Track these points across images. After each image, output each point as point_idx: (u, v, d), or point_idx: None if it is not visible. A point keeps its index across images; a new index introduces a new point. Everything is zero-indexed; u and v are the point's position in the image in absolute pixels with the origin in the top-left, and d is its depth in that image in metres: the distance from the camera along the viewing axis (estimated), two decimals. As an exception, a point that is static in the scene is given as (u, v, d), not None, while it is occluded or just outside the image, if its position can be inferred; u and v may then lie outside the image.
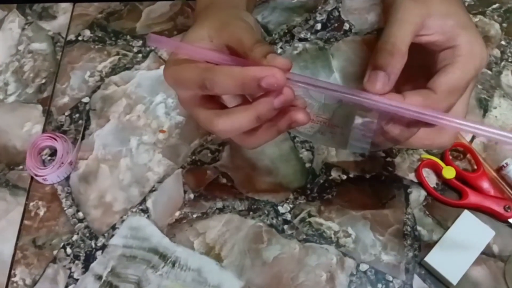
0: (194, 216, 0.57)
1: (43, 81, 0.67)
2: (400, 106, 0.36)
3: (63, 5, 0.75)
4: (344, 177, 0.59)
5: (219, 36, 0.40)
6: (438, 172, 0.58)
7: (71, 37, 0.71)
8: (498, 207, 0.55)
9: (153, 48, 0.69)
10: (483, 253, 0.53)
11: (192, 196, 0.58)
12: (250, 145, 0.41)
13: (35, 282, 0.54)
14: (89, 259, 0.55)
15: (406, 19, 0.38)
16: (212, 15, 0.43)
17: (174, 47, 0.40)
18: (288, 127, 0.39)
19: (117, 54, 0.69)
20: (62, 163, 0.58)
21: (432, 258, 0.52)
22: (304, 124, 0.38)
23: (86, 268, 0.54)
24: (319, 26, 0.70)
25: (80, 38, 0.71)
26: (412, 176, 0.58)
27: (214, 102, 0.41)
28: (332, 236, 0.55)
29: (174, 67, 0.39)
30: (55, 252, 0.55)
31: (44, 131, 0.63)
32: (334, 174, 0.59)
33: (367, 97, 0.37)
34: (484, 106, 0.62)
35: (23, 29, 0.72)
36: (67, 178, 0.60)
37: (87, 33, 0.71)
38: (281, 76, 0.35)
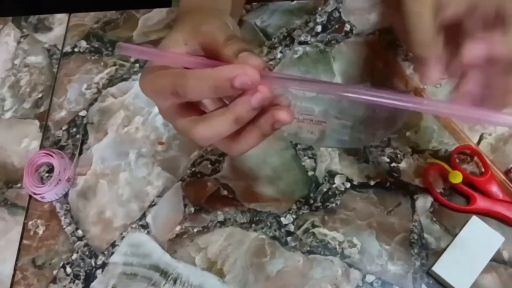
0: (195, 230, 0.56)
1: (40, 95, 0.67)
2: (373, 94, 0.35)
3: (59, 16, 0.74)
4: (348, 184, 0.57)
5: (193, 38, 0.38)
6: (444, 177, 0.56)
7: (67, 48, 0.70)
8: (507, 212, 0.53)
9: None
10: (492, 260, 0.51)
11: (192, 209, 0.57)
12: (236, 152, 0.39)
13: (36, 303, 0.54)
14: (89, 278, 0.54)
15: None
16: (189, 19, 0.41)
17: (143, 54, 0.38)
18: (272, 128, 0.37)
19: (114, 64, 0.68)
20: (60, 180, 0.57)
21: (440, 267, 0.51)
22: (288, 123, 0.37)
23: (86, 287, 0.54)
24: (319, 28, 0.68)
25: (76, 49, 0.70)
26: (418, 182, 0.57)
27: (194, 110, 0.39)
28: (337, 247, 0.54)
29: (148, 76, 0.38)
30: (55, 272, 0.55)
31: (41, 147, 0.62)
32: (337, 182, 0.57)
33: (346, 89, 0.35)
34: (491, 106, 0.60)
35: (18, 42, 0.72)
36: (66, 195, 0.59)
37: (83, 44, 0.70)
38: (253, 73, 0.34)
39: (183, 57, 0.38)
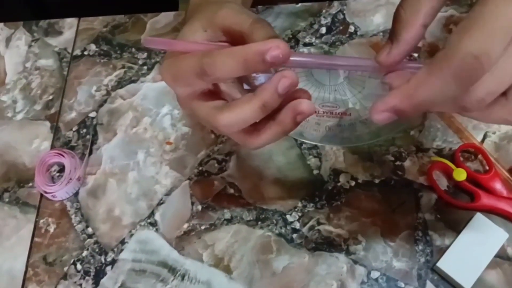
0: (202, 228, 0.57)
1: (51, 97, 0.68)
2: None
3: (69, 20, 0.75)
4: (353, 183, 0.58)
5: (212, 23, 0.38)
6: (449, 175, 0.57)
7: (77, 52, 0.72)
8: (511, 209, 0.54)
9: (158, 59, 0.70)
10: (497, 256, 0.52)
11: (199, 207, 0.58)
12: (252, 146, 0.39)
13: (47, 299, 0.55)
14: (99, 274, 0.55)
15: None
16: (204, 9, 0.41)
17: (167, 45, 0.38)
18: (294, 121, 0.37)
19: (123, 67, 0.69)
20: (70, 179, 0.59)
21: (445, 263, 0.51)
22: (310, 115, 0.37)
23: (96, 283, 0.55)
24: (324, 30, 0.69)
25: (86, 52, 0.71)
26: (422, 180, 0.57)
27: (216, 97, 0.39)
28: (342, 243, 0.55)
29: (169, 60, 0.37)
30: (65, 269, 0.56)
31: (52, 147, 0.63)
32: (342, 180, 0.58)
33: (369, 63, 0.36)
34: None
35: (29, 46, 0.73)
36: (76, 194, 0.60)
37: (93, 47, 0.72)
38: (285, 47, 0.33)
39: (206, 44, 0.37)
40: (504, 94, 0.30)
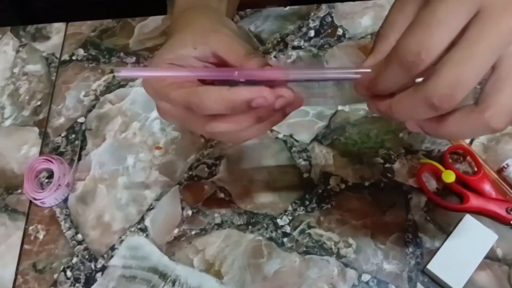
0: (193, 233, 0.57)
1: (39, 102, 0.67)
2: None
3: (56, 25, 0.75)
4: (343, 185, 0.58)
5: (205, 43, 0.39)
6: (438, 176, 0.57)
7: (65, 57, 0.71)
8: (500, 210, 0.54)
9: (147, 64, 0.69)
10: (486, 257, 0.52)
11: (190, 212, 0.58)
12: (239, 141, 0.40)
13: (37, 307, 0.54)
14: (89, 281, 0.55)
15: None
16: (195, 21, 0.42)
17: (146, 72, 0.38)
18: (283, 115, 0.39)
19: (111, 72, 0.69)
20: (59, 185, 0.58)
21: (435, 265, 0.52)
22: (299, 106, 0.39)
23: (86, 290, 0.54)
24: (312, 33, 0.69)
25: (74, 57, 0.71)
26: (412, 182, 0.58)
27: None
28: (333, 247, 0.55)
29: (156, 82, 0.38)
30: (55, 276, 0.55)
31: (41, 153, 0.63)
32: (332, 183, 0.58)
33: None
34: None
35: (17, 51, 0.73)
36: (65, 200, 0.60)
37: (81, 52, 0.71)
38: (269, 94, 0.35)
39: (187, 71, 0.38)
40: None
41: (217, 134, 0.38)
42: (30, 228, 0.58)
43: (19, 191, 0.61)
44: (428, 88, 0.29)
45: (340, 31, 0.69)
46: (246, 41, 0.68)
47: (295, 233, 0.56)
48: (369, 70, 0.35)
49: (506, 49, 0.29)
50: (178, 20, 0.45)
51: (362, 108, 0.63)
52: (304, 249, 0.55)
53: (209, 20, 0.42)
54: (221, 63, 0.39)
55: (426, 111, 0.30)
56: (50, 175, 0.61)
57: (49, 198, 0.58)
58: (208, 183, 0.59)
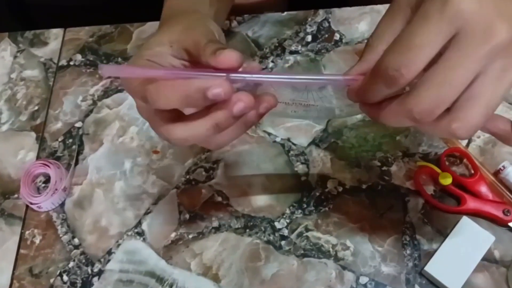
0: (190, 236, 0.56)
1: (36, 107, 0.68)
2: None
3: (54, 30, 0.75)
4: (340, 188, 0.58)
5: (179, 41, 0.38)
6: (435, 179, 0.57)
7: (63, 62, 0.71)
8: (497, 212, 0.54)
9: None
10: (484, 259, 0.52)
11: (187, 216, 0.58)
12: (215, 146, 0.39)
13: (33, 312, 0.54)
14: (86, 286, 0.54)
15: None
16: (175, 22, 0.41)
17: (125, 72, 0.37)
18: (257, 116, 0.37)
19: (109, 77, 0.69)
20: (56, 189, 0.58)
21: (432, 267, 0.52)
22: (273, 107, 0.37)
23: (83, 294, 0.54)
24: (309, 38, 0.70)
25: (71, 63, 0.71)
26: (409, 184, 0.58)
27: (172, 110, 0.38)
28: (331, 249, 0.55)
29: (130, 79, 0.37)
30: (52, 280, 0.55)
31: (38, 158, 0.63)
32: (330, 186, 0.58)
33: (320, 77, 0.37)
34: (479, 110, 0.62)
35: (15, 57, 0.73)
36: (62, 205, 0.59)
37: (79, 57, 0.72)
38: (227, 85, 0.33)
39: (164, 70, 0.37)
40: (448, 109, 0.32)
41: (180, 142, 0.37)
42: (27, 232, 0.58)
43: (16, 195, 0.61)
44: (410, 103, 0.31)
45: (337, 36, 0.69)
46: (243, 47, 0.69)
47: (293, 236, 0.56)
48: (341, 77, 0.37)
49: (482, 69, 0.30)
50: (162, 24, 0.45)
51: (359, 112, 0.63)
52: (302, 252, 0.55)
53: (188, 20, 0.42)
54: (194, 60, 0.39)
55: (408, 122, 0.33)
56: (47, 179, 0.61)
57: (45, 203, 0.58)
58: (205, 187, 0.59)
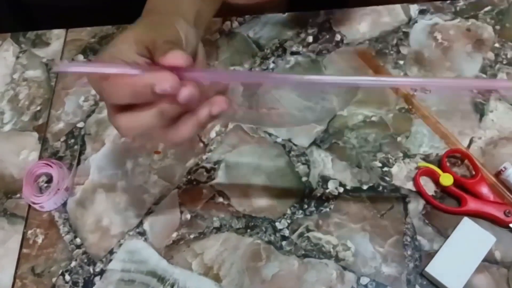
0: (191, 236, 0.57)
1: (38, 108, 0.68)
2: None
3: (56, 31, 0.75)
4: (341, 189, 0.58)
5: (142, 40, 0.38)
6: (435, 180, 0.57)
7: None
8: (498, 213, 0.54)
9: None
10: (485, 260, 0.52)
11: (188, 216, 0.58)
12: (170, 142, 0.39)
13: (35, 311, 0.54)
14: (88, 285, 0.55)
15: None
16: (145, 20, 0.42)
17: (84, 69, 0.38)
18: (209, 116, 0.37)
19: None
20: (58, 189, 0.58)
21: (433, 268, 0.52)
22: (225, 110, 0.38)
23: (85, 294, 0.54)
24: (310, 38, 0.70)
25: (73, 63, 0.71)
26: (410, 185, 0.58)
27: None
28: (331, 250, 0.55)
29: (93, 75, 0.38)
30: (54, 280, 0.55)
31: (40, 158, 0.63)
32: (331, 186, 0.58)
33: (268, 76, 0.37)
34: (480, 111, 0.62)
35: (17, 57, 0.73)
36: (64, 204, 0.60)
37: (80, 58, 0.72)
38: (173, 79, 0.34)
39: (123, 66, 0.37)
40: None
41: (126, 131, 0.37)
42: (29, 232, 0.58)
43: (18, 195, 0.61)
44: None
45: (338, 37, 0.70)
46: (244, 47, 0.69)
47: (294, 237, 0.56)
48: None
49: None
50: (138, 19, 0.44)
51: (360, 113, 0.63)
52: (303, 252, 0.55)
53: (157, 19, 0.42)
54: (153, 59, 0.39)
55: None
56: (49, 179, 0.61)
57: (48, 202, 0.58)
58: (206, 187, 0.60)
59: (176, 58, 0.35)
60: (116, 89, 0.35)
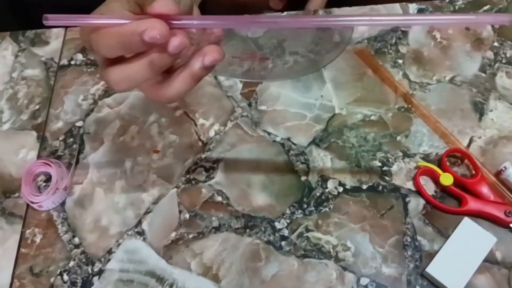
0: (190, 236, 0.56)
1: (37, 107, 0.67)
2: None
3: (55, 30, 0.75)
4: (341, 189, 0.58)
5: None
6: (435, 180, 0.57)
7: (64, 61, 0.71)
8: (499, 213, 0.54)
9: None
10: (485, 260, 0.52)
11: (187, 216, 0.58)
12: (164, 97, 0.38)
13: (33, 311, 0.54)
14: (86, 285, 0.54)
15: None
16: None
17: (71, 20, 0.37)
18: (203, 68, 0.37)
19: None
20: (57, 189, 0.58)
21: (434, 269, 0.51)
22: (219, 61, 0.37)
23: (83, 294, 0.54)
24: (309, 38, 0.70)
25: (72, 62, 0.71)
26: (409, 185, 0.57)
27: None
28: (331, 250, 0.55)
29: (83, 30, 0.38)
30: (52, 280, 0.55)
31: (39, 157, 0.63)
32: (330, 186, 0.58)
33: (255, 19, 0.36)
34: (480, 110, 0.62)
35: (16, 56, 0.73)
36: (63, 204, 0.59)
37: (80, 57, 0.72)
38: (162, 26, 0.33)
39: (109, 18, 0.37)
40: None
41: (116, 84, 0.37)
42: (27, 231, 0.58)
43: (17, 194, 0.61)
44: None
45: (337, 37, 0.69)
46: (243, 47, 0.69)
47: (293, 237, 0.56)
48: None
49: None
50: None
51: (359, 112, 0.63)
52: (302, 252, 0.55)
53: None
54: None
55: None
56: (48, 178, 0.61)
57: (46, 202, 0.58)
58: (205, 186, 0.59)
59: (164, 5, 0.34)
60: (104, 40, 0.34)
